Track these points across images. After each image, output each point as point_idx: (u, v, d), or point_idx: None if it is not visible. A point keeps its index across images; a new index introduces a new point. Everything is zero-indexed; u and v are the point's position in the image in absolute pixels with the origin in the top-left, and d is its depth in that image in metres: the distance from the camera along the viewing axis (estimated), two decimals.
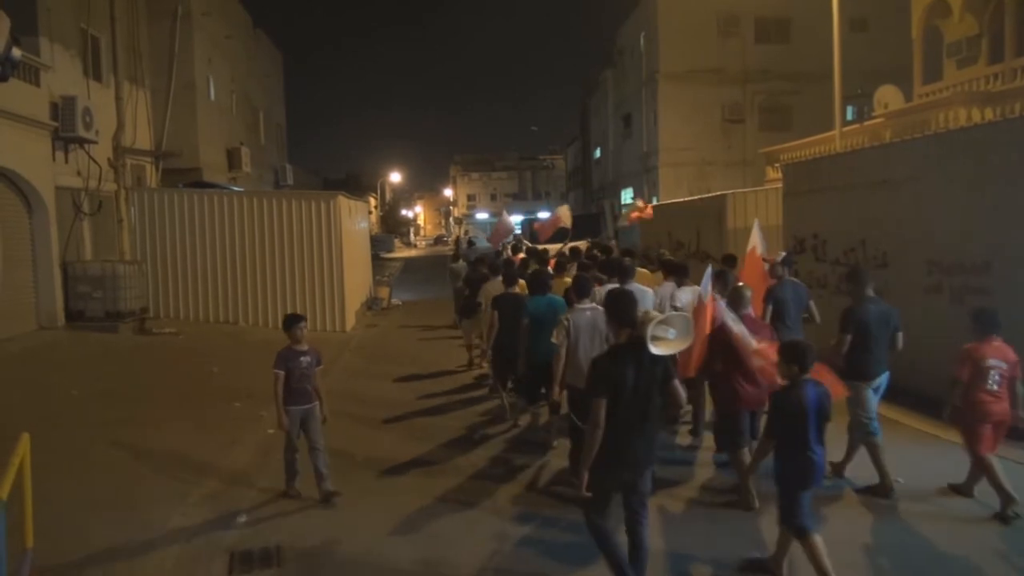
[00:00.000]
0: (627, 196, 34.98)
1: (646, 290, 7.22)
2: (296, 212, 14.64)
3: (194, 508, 5.93)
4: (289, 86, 32.35)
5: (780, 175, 15.24)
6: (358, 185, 55.66)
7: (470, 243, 29.04)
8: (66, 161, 13.30)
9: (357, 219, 17.99)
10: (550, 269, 9.60)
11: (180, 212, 14.58)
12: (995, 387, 5.43)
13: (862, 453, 6.21)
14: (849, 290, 6.42)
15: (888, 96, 18.19)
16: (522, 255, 13.83)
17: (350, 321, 15.34)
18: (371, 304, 19.24)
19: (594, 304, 6.19)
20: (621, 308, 4.36)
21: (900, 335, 6.22)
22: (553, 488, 6.36)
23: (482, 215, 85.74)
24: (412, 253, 61.93)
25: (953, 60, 18.20)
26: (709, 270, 6.46)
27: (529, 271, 9.49)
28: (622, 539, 4.42)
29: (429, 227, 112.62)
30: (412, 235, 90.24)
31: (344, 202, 15.37)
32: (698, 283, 6.65)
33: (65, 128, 12.81)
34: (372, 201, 55.80)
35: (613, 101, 39.18)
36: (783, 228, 12.09)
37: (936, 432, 7.18)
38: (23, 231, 12.36)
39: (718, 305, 5.97)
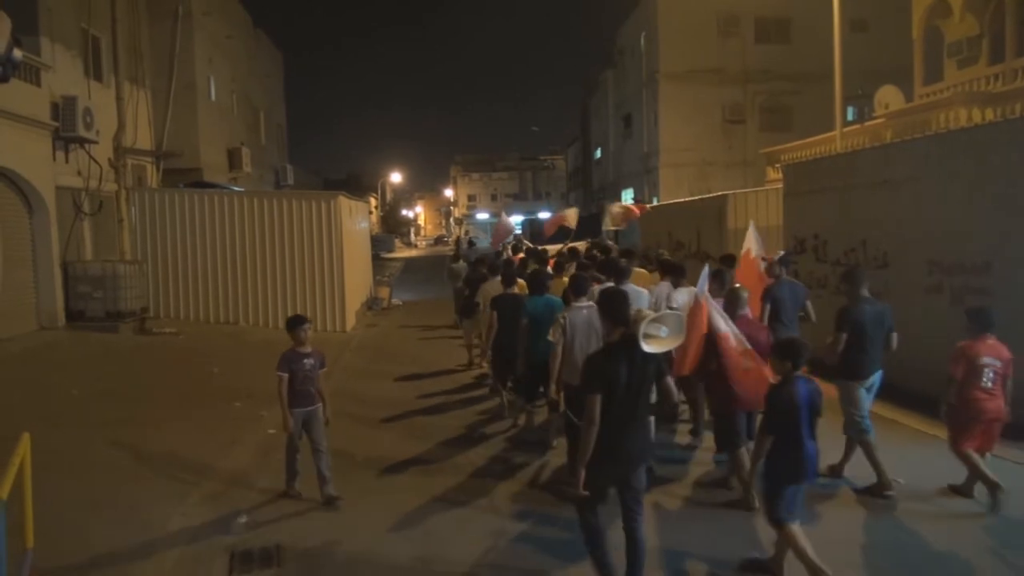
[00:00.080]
0: (628, 196, 34.94)
1: (641, 291, 7.25)
2: (297, 212, 14.64)
3: (194, 508, 5.93)
4: (290, 86, 32.48)
5: (781, 175, 15.23)
6: (358, 185, 55.66)
7: (470, 243, 29.09)
8: (67, 161, 13.31)
9: (357, 219, 18.00)
10: (549, 269, 9.62)
11: (181, 212, 14.59)
12: (989, 385, 5.50)
13: (860, 453, 6.20)
14: (844, 290, 6.47)
15: (889, 96, 18.19)
16: (521, 255, 13.87)
17: (350, 321, 15.35)
18: (371, 304, 19.24)
19: (591, 303, 6.21)
20: (614, 306, 4.40)
21: (895, 335, 6.27)
22: (552, 485, 6.38)
23: (482, 215, 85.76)
24: (412, 253, 61.94)
25: (954, 60, 18.19)
26: (706, 270, 6.49)
27: (528, 271, 9.51)
28: (619, 536, 4.42)
29: (429, 227, 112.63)
30: (412, 235, 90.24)
31: (344, 202, 15.38)
32: (696, 283, 6.66)
33: (66, 128, 12.82)
34: (372, 201, 55.82)
35: (613, 101, 39.18)
36: (784, 228, 12.09)
37: (936, 432, 7.16)
38: (23, 231, 12.37)
39: (709, 304, 5.96)
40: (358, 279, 17.49)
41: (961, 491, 5.83)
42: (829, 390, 6.41)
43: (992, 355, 5.51)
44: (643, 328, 4.10)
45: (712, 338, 5.81)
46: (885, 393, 7.79)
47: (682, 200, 20.87)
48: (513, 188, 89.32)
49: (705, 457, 6.92)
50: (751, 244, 8.57)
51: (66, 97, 12.85)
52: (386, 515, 5.81)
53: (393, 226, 77.36)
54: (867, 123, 18.91)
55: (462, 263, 15.52)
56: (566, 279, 7.96)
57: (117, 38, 15.15)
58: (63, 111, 12.78)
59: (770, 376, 5.11)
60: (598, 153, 44.61)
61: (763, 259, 8.35)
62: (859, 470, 6.21)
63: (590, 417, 4.11)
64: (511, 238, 19.58)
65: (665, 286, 7.62)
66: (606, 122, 40.86)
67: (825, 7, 17.17)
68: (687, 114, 29.57)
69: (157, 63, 17.23)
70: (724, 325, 5.70)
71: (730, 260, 8.71)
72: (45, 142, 12.55)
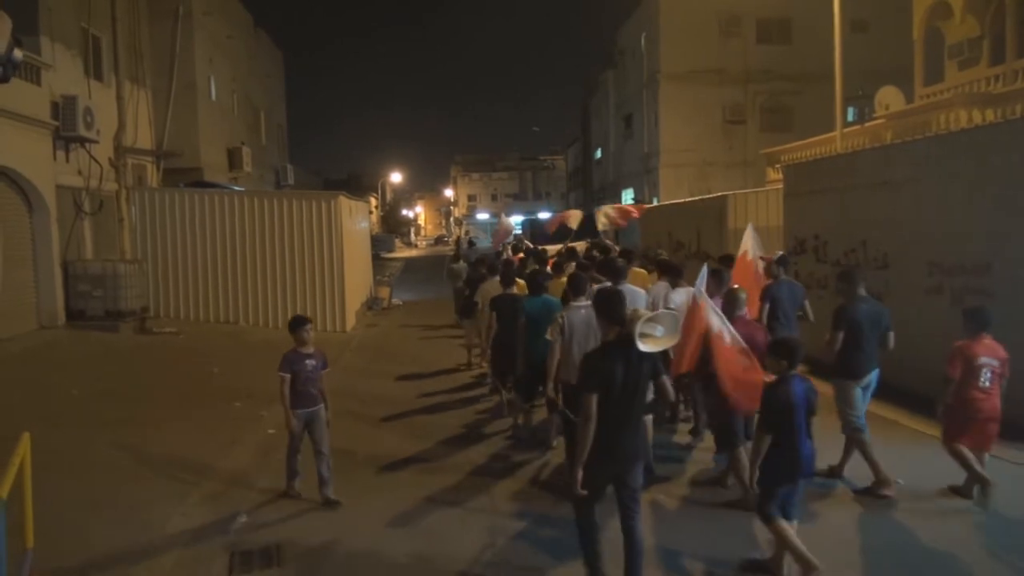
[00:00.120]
0: (628, 197, 34.95)
1: (638, 291, 7.28)
2: (297, 212, 14.64)
3: (194, 508, 5.93)
4: (290, 86, 32.39)
5: (781, 176, 15.23)
6: (359, 185, 55.70)
7: (470, 243, 29.09)
8: (67, 160, 13.31)
9: (358, 219, 18.00)
10: (549, 269, 9.63)
11: (181, 212, 14.59)
12: (987, 384, 5.54)
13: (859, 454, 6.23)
14: (841, 289, 6.51)
15: (889, 97, 18.19)
16: (520, 255, 13.90)
17: (350, 321, 15.35)
18: (371, 304, 19.24)
19: (589, 302, 6.21)
20: (610, 306, 4.45)
21: (891, 334, 6.30)
22: (550, 483, 6.41)
23: (483, 215, 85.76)
24: (412, 253, 61.96)
25: (954, 61, 18.18)
26: (704, 269, 6.53)
27: (528, 271, 9.53)
28: (615, 533, 4.44)
29: (430, 227, 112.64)
30: (413, 235, 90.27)
31: (345, 202, 15.38)
32: (695, 283, 6.66)
33: (66, 127, 12.82)
34: (373, 201, 55.81)
35: (614, 101, 39.18)
36: (784, 229, 12.09)
37: (935, 433, 7.13)
38: (24, 230, 12.37)
39: (706, 303, 5.96)
40: (358, 279, 17.49)
41: (961, 492, 5.83)
42: (825, 389, 6.46)
43: (989, 355, 5.56)
44: (639, 327, 4.13)
45: (707, 337, 5.80)
46: (885, 394, 7.81)
47: (682, 200, 20.87)
48: (513, 188, 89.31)
49: (704, 457, 6.93)
50: (748, 246, 8.61)
51: (66, 96, 12.85)
52: (386, 514, 5.82)
53: (393, 226, 77.38)
54: (867, 124, 18.91)
55: (462, 263, 15.53)
56: (565, 279, 7.98)
57: (117, 38, 15.15)
58: (63, 110, 12.78)
59: (763, 377, 5.11)
60: (598, 153, 44.62)
61: (762, 259, 8.38)
62: (859, 471, 6.20)
63: (586, 416, 4.14)
64: (511, 238, 19.71)
65: (662, 286, 7.65)
66: (606, 122, 40.86)
67: (826, 8, 17.17)
68: (688, 114, 29.57)
69: (157, 63, 17.24)
70: (718, 324, 5.68)
71: (728, 260, 8.74)
72: (45, 141, 12.56)
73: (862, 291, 6.34)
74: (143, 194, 14.81)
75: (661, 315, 4.35)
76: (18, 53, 10.50)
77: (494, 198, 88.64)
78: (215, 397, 9.42)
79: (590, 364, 4.28)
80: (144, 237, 14.54)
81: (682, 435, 7.67)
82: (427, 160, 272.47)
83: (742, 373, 5.36)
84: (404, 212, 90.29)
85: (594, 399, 4.13)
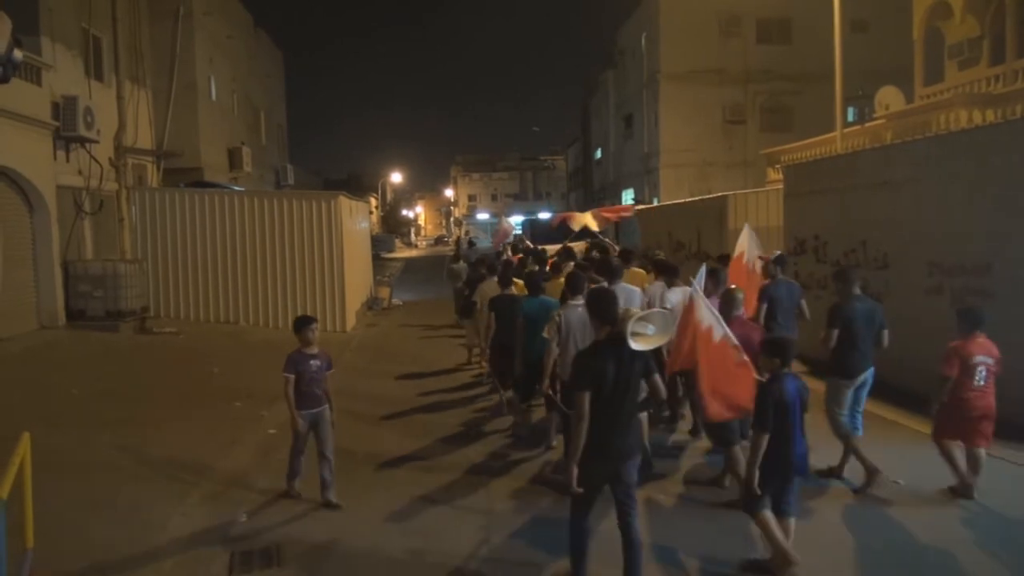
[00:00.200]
0: (628, 197, 34.96)
1: (634, 289, 7.33)
2: (297, 212, 14.65)
3: (194, 508, 5.93)
4: (290, 86, 32.39)
5: (781, 176, 15.24)
6: (359, 185, 55.73)
7: (470, 243, 29.11)
8: (67, 160, 13.31)
9: (358, 219, 18.01)
10: (548, 269, 9.67)
11: (181, 212, 14.59)
12: (982, 383, 5.64)
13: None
14: (837, 288, 6.61)
15: (889, 97, 18.19)
16: (519, 256, 13.94)
17: (351, 321, 15.35)
18: (372, 304, 19.25)
19: None
20: (602, 306, 4.51)
21: (886, 332, 6.38)
22: (549, 479, 6.43)
23: (483, 215, 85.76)
24: (413, 253, 61.97)
25: (954, 61, 18.18)
26: (703, 269, 6.61)
27: (525, 271, 9.57)
28: (614, 532, 4.45)
29: (430, 227, 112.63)
30: (413, 235, 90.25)
31: (345, 202, 15.38)
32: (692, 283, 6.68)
33: (66, 127, 12.82)
34: (373, 201, 55.82)
35: (614, 102, 39.17)
36: (784, 229, 12.10)
37: None
38: (24, 230, 12.37)
39: (700, 299, 5.95)
40: (358, 279, 17.50)
41: (961, 492, 5.83)
42: (820, 387, 6.50)
43: (984, 354, 5.66)
44: (630, 326, 4.18)
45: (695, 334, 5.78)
46: (885, 394, 7.83)
47: (683, 200, 20.87)
48: (513, 188, 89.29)
49: (714, 457, 6.93)
50: (744, 247, 8.67)
51: (67, 97, 12.86)
52: (386, 512, 5.84)
53: (393, 226, 77.38)
54: (867, 124, 18.91)
55: (462, 263, 15.54)
56: (562, 280, 8.02)
57: (118, 38, 15.16)
58: (64, 111, 12.79)
59: (756, 376, 5.13)
60: (598, 153, 44.60)
61: (760, 258, 8.41)
62: (859, 470, 6.21)
63: (579, 414, 4.20)
64: (511, 238, 19.91)
65: (659, 286, 7.72)
66: (607, 122, 40.85)
67: (826, 8, 17.17)
68: (688, 114, 29.57)
69: (158, 63, 17.24)
70: (709, 320, 5.64)
71: (726, 260, 8.80)
72: (46, 141, 12.56)
73: (857, 290, 6.44)
74: (143, 194, 14.81)
75: (652, 314, 4.40)
76: (18, 53, 10.51)
77: (494, 198, 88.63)
78: (215, 397, 9.42)
79: (582, 363, 4.35)
80: (144, 237, 14.54)
81: (682, 433, 7.68)
82: (427, 160, 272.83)
83: (733, 368, 5.30)
84: (404, 212, 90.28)
85: (586, 397, 4.18)
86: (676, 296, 7.32)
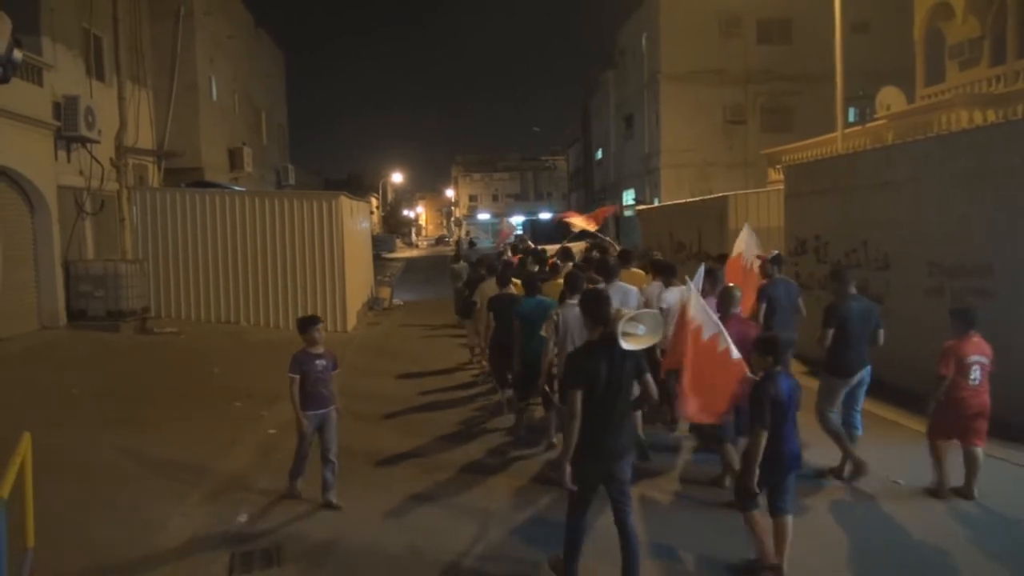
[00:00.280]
0: (629, 197, 34.98)
1: (631, 289, 7.37)
2: (298, 212, 14.65)
3: (194, 508, 5.93)
4: (291, 86, 32.38)
5: (782, 176, 15.23)
6: (360, 185, 55.69)
7: (471, 244, 29.11)
8: (68, 160, 13.32)
9: (359, 219, 18.01)
10: (548, 269, 9.71)
11: (182, 212, 14.60)
12: (976, 382, 5.70)
13: (861, 453, 6.25)
14: (833, 288, 6.68)
15: (890, 98, 18.19)
16: (519, 256, 13.96)
17: (351, 321, 15.35)
18: (372, 304, 19.25)
19: None
20: (594, 307, 4.57)
21: (881, 331, 6.46)
22: (549, 477, 6.45)
23: (484, 216, 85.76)
24: (413, 253, 61.97)
25: (955, 62, 18.17)
26: (701, 269, 6.69)
27: (524, 270, 9.63)
28: (608, 527, 4.47)
29: (431, 227, 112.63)
30: (414, 235, 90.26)
31: (346, 202, 15.38)
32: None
33: (67, 127, 12.83)
34: (374, 201, 55.84)
35: (615, 102, 39.17)
36: (785, 229, 12.09)
37: None
38: (25, 230, 12.38)
39: (694, 296, 5.95)
40: (359, 279, 17.50)
41: (961, 493, 5.83)
42: (815, 385, 6.51)
43: (978, 353, 5.73)
44: (621, 326, 4.23)
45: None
46: (886, 394, 7.84)
47: (683, 201, 20.88)
48: (514, 188, 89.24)
49: (704, 456, 6.93)
50: (742, 247, 8.72)
51: (68, 97, 12.87)
52: (386, 511, 5.85)
53: (394, 226, 77.37)
54: (868, 124, 18.90)
55: (463, 263, 15.54)
56: (561, 280, 8.07)
57: (119, 38, 15.17)
58: (65, 111, 12.80)
59: (747, 374, 5.14)
60: (599, 154, 44.60)
61: (758, 258, 8.46)
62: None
63: (571, 413, 4.25)
64: (512, 238, 20.05)
65: (656, 286, 7.76)
66: (607, 123, 40.85)
67: (827, 8, 17.17)
68: (688, 115, 29.56)
69: (159, 63, 17.25)
70: (700, 318, 5.62)
71: (724, 259, 8.85)
72: (47, 141, 12.57)
73: (852, 289, 6.51)
74: (144, 194, 14.82)
75: (642, 314, 4.44)
76: (18, 54, 10.51)
77: (495, 198, 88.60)
78: (215, 397, 9.42)
79: (574, 362, 4.41)
80: (145, 237, 14.54)
81: (681, 432, 7.69)
82: (428, 160, 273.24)
83: (717, 370, 5.25)
84: (405, 212, 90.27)
85: (578, 396, 4.22)
86: (673, 296, 7.34)
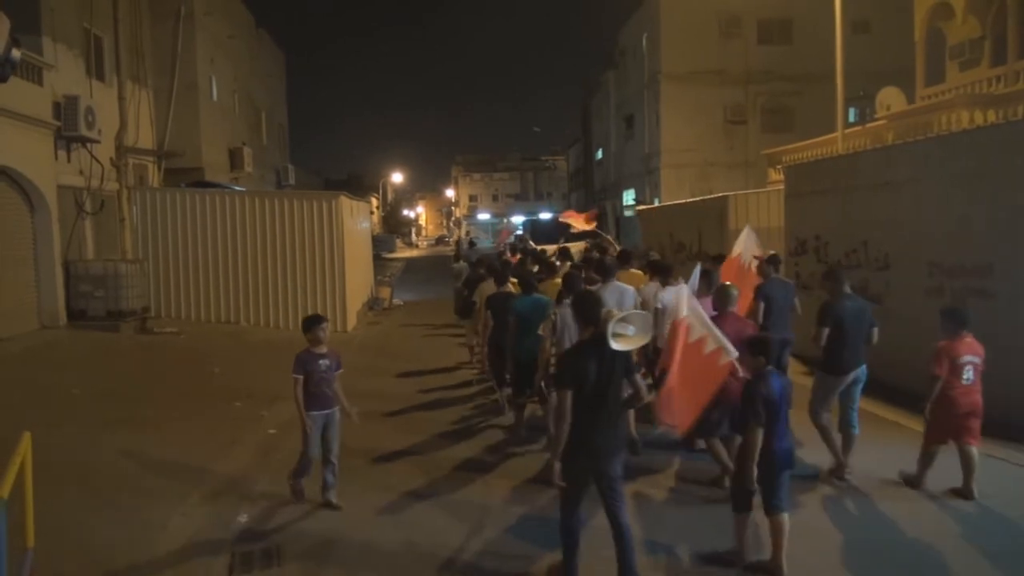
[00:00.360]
0: (629, 197, 34.99)
1: (628, 288, 7.40)
2: (298, 212, 14.65)
3: (194, 508, 5.93)
4: (291, 86, 32.39)
5: (782, 176, 15.23)
6: (360, 185, 55.68)
7: (471, 244, 29.10)
8: (68, 160, 13.32)
9: (359, 219, 18.00)
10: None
11: (182, 212, 14.59)
12: (968, 381, 5.74)
13: (859, 451, 6.29)
14: (827, 287, 6.71)
15: (890, 98, 18.20)
16: (518, 256, 13.98)
17: (352, 321, 15.35)
18: (373, 304, 19.25)
19: None
20: (585, 308, 4.66)
21: (875, 330, 6.50)
22: (544, 475, 6.44)
23: (484, 216, 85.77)
24: (414, 253, 61.98)
25: (956, 62, 18.17)
26: (698, 269, 6.76)
27: (523, 270, 9.67)
28: (605, 524, 4.50)
29: (431, 227, 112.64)
30: (414, 235, 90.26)
31: (346, 202, 15.39)
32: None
33: (68, 127, 12.83)
34: (374, 201, 55.84)
35: (615, 102, 39.17)
36: (785, 229, 12.09)
37: None
38: (25, 230, 12.38)
39: (687, 296, 5.95)
40: (359, 279, 17.50)
41: (961, 493, 5.83)
42: (808, 383, 6.52)
43: (971, 353, 5.77)
44: (611, 327, 4.28)
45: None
46: (886, 394, 7.84)
47: (684, 201, 20.88)
48: (515, 188, 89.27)
49: (703, 456, 6.92)
50: (742, 247, 8.75)
51: (68, 96, 12.87)
52: (386, 509, 5.87)
53: (394, 226, 77.37)
54: (869, 124, 18.91)
55: (462, 263, 15.54)
56: (558, 280, 8.11)
57: (119, 38, 15.17)
58: (65, 110, 12.80)
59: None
60: (599, 154, 44.61)
61: (756, 257, 8.49)
62: (858, 469, 6.25)
63: (561, 412, 4.31)
64: (512, 238, 20.11)
65: (653, 286, 7.79)
66: (607, 123, 40.85)
67: (827, 8, 17.17)
68: (689, 115, 29.56)
69: (159, 63, 17.26)
70: (690, 318, 5.61)
71: (720, 260, 8.88)
72: (47, 141, 12.57)
73: (847, 288, 6.56)
74: (144, 194, 14.82)
75: (632, 315, 4.50)
76: (16, 53, 10.51)
77: (495, 198, 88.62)
78: (216, 397, 9.42)
79: (564, 362, 4.50)
80: (145, 237, 14.54)
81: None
82: (428, 160, 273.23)
83: (699, 373, 5.29)
84: (405, 212, 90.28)
85: (568, 396, 4.28)
86: (669, 296, 7.37)
